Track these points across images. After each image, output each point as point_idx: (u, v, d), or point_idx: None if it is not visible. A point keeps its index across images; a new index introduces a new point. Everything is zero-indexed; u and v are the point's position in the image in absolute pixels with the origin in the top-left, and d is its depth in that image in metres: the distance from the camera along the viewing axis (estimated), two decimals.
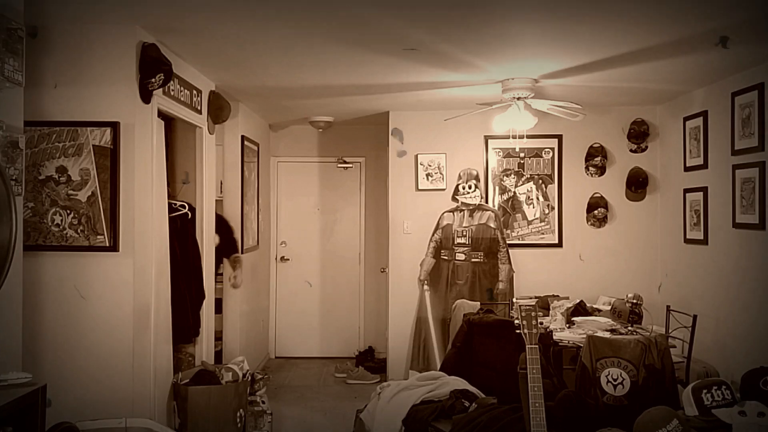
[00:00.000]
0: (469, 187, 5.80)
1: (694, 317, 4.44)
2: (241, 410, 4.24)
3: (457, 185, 5.90)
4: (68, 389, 3.40)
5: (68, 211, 3.47)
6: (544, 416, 2.83)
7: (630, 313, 4.62)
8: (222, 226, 5.32)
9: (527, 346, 2.89)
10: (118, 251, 3.50)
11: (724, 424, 3.17)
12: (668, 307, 4.95)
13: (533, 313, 2.92)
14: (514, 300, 3.07)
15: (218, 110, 4.88)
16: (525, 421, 3.06)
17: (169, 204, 4.25)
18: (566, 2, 3.20)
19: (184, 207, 4.59)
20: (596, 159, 6.08)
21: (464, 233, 5.76)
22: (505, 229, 5.98)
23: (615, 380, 3.65)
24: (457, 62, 4.29)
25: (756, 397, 3.28)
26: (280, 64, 4.42)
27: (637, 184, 6.04)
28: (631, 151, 6.11)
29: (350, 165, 7.43)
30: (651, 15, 3.39)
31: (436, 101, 5.68)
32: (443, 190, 6.19)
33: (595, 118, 5.99)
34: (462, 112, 5.46)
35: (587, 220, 6.15)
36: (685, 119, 5.48)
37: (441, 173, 6.24)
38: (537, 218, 6.20)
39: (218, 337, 5.28)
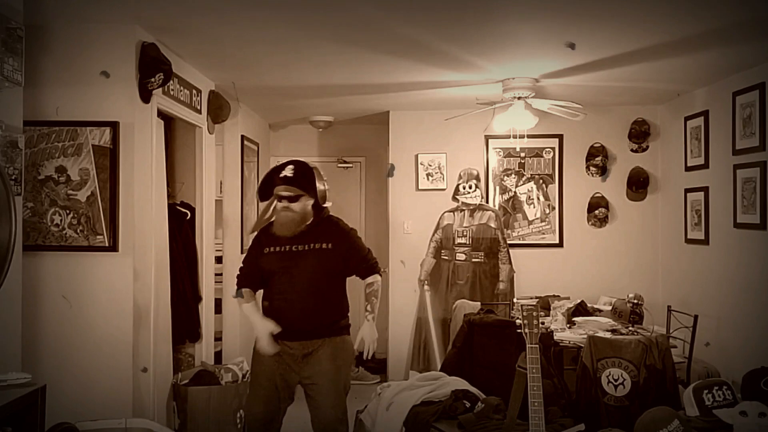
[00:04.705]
0: (470, 187, 5.79)
1: (695, 317, 4.43)
2: (241, 411, 4.23)
3: (458, 185, 5.89)
4: (68, 389, 3.39)
5: (67, 211, 3.47)
6: (543, 416, 2.82)
7: (631, 314, 4.61)
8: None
9: (528, 346, 2.89)
10: (118, 251, 3.50)
11: (725, 425, 3.17)
12: (669, 307, 4.94)
13: (534, 313, 2.91)
14: (516, 300, 3.07)
15: (218, 110, 4.88)
16: (509, 416, 3.05)
17: (169, 204, 4.24)
18: (566, 2, 3.19)
19: (183, 207, 4.59)
20: (597, 159, 6.07)
21: (465, 233, 5.75)
22: (505, 229, 5.97)
23: (616, 380, 3.65)
24: (458, 62, 4.29)
25: (757, 398, 3.28)
26: (280, 64, 4.41)
27: (638, 184, 6.03)
28: (632, 150, 6.10)
29: (350, 165, 7.42)
30: (651, 15, 3.39)
31: (436, 101, 5.67)
32: (443, 190, 6.18)
33: (596, 118, 5.98)
34: (462, 112, 5.45)
35: (588, 220, 6.14)
36: (686, 119, 5.47)
37: (441, 173, 6.23)
38: (538, 218, 6.19)
39: (218, 337, 5.27)
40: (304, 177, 3.22)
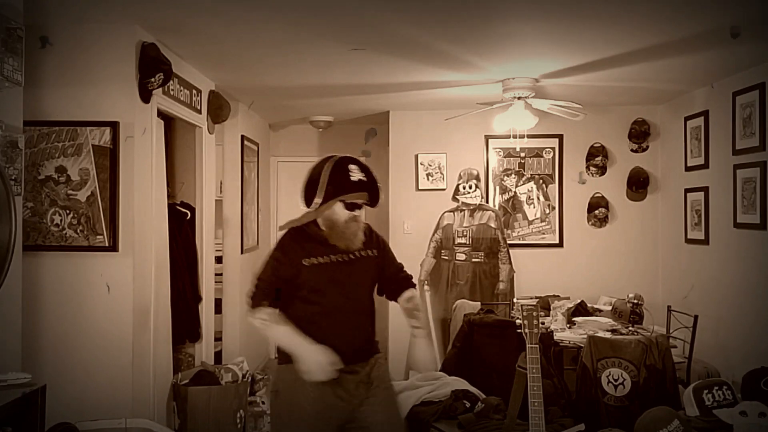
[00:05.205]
0: (470, 187, 5.79)
1: (695, 317, 4.44)
2: (241, 411, 4.23)
3: (458, 185, 5.89)
4: (68, 389, 3.39)
5: (68, 211, 3.47)
6: (543, 416, 2.82)
7: (631, 314, 4.61)
8: None
9: (528, 346, 2.88)
10: (118, 251, 3.50)
11: (725, 425, 3.17)
12: (669, 307, 4.94)
13: (534, 313, 2.91)
14: (516, 300, 3.05)
15: (218, 110, 4.88)
16: (509, 416, 3.05)
17: (169, 204, 4.24)
18: (566, 2, 3.19)
19: (183, 207, 4.59)
20: (597, 159, 6.08)
21: (465, 233, 5.75)
22: (505, 229, 5.97)
23: (616, 380, 3.65)
24: (458, 62, 4.29)
25: (757, 398, 3.28)
26: (281, 64, 4.41)
27: (638, 184, 6.03)
28: (632, 150, 6.11)
29: None
30: (651, 15, 3.39)
31: (436, 101, 5.67)
32: (443, 190, 6.18)
33: (596, 118, 5.98)
34: (462, 112, 5.45)
35: (588, 220, 6.14)
36: (686, 119, 5.47)
37: (441, 173, 6.23)
38: (538, 218, 6.19)
39: (218, 337, 5.27)
40: (373, 180, 2.70)
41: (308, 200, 2.66)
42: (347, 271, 2.69)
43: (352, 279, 2.69)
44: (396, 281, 2.88)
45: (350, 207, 2.66)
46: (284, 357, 2.67)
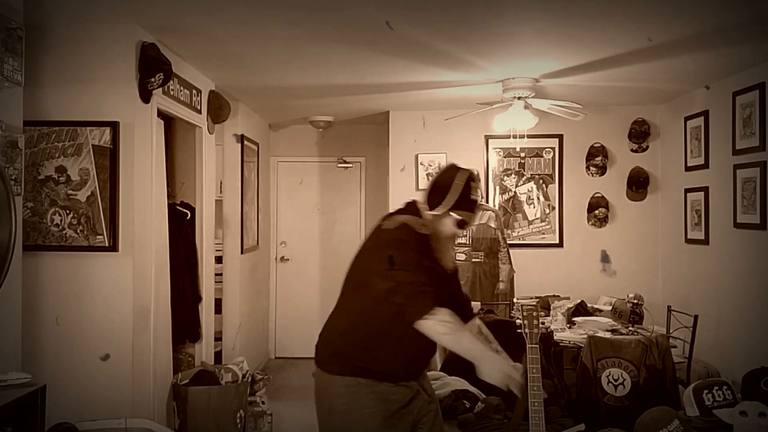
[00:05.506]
0: None
1: (695, 317, 4.44)
2: (241, 411, 4.23)
3: None
4: (68, 389, 3.39)
5: (68, 211, 3.47)
6: (543, 416, 2.82)
7: (631, 314, 4.61)
8: None
9: (528, 346, 2.88)
10: (118, 251, 3.50)
11: (725, 425, 3.17)
12: (669, 307, 4.94)
13: (534, 313, 2.91)
14: (516, 300, 3.04)
15: (218, 110, 4.88)
16: (514, 416, 3.04)
17: (169, 204, 4.24)
18: (566, 2, 3.19)
19: (183, 207, 4.59)
20: (597, 159, 6.08)
21: (464, 233, 5.75)
22: (505, 229, 5.97)
23: (616, 380, 3.65)
24: (458, 62, 4.29)
25: (757, 398, 3.28)
26: (280, 64, 4.41)
27: (638, 184, 6.03)
28: (632, 150, 6.11)
29: (350, 165, 7.42)
30: (651, 15, 3.39)
31: (436, 101, 5.67)
32: None
33: (596, 118, 5.98)
34: (462, 112, 5.45)
35: (588, 220, 6.14)
36: (686, 119, 5.47)
37: None
38: (538, 218, 6.19)
39: (218, 337, 5.27)
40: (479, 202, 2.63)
41: (432, 205, 2.55)
42: (442, 283, 2.55)
43: (443, 291, 2.53)
44: (466, 306, 2.75)
45: (460, 225, 2.54)
46: (343, 368, 2.46)
